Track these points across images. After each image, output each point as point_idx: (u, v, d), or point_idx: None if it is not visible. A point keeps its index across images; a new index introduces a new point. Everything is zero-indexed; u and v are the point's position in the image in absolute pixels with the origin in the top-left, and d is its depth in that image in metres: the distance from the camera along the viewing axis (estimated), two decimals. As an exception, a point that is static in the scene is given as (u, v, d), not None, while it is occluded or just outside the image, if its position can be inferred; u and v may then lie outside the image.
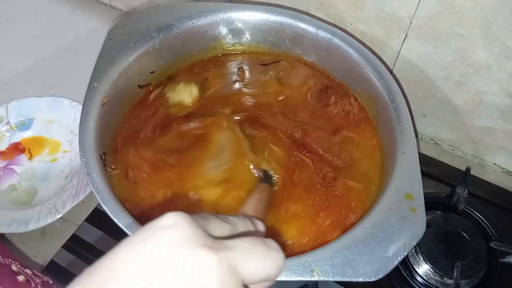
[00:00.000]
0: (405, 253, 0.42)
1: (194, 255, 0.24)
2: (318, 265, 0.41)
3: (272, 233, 0.49)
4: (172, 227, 0.25)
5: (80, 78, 0.77)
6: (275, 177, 0.54)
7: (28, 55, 0.83)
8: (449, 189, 0.67)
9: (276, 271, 0.28)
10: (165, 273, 0.23)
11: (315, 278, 0.40)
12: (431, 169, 0.71)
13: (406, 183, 0.47)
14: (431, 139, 0.75)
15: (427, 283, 0.59)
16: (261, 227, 0.34)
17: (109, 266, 0.24)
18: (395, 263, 0.42)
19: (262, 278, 0.27)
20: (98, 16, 0.90)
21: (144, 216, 0.46)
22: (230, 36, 0.66)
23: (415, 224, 0.44)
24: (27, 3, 0.92)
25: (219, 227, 0.29)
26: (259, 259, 0.27)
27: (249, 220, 0.33)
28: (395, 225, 0.44)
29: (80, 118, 0.50)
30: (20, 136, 0.71)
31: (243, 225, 0.31)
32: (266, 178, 0.54)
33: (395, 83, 0.56)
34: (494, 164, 0.72)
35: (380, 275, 0.41)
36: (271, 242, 0.29)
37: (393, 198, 0.46)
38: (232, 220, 0.31)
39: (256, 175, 0.54)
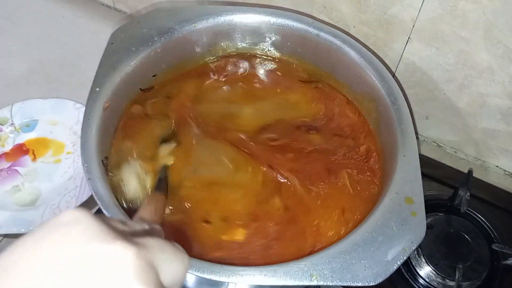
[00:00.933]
0: (405, 257, 0.42)
1: (107, 249, 0.22)
2: (317, 269, 0.41)
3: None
4: (75, 223, 0.23)
5: (84, 79, 0.78)
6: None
7: (32, 57, 0.84)
8: (452, 191, 0.67)
9: (184, 272, 0.27)
10: (75, 275, 0.21)
11: (314, 283, 0.41)
12: (433, 171, 0.70)
13: (407, 187, 0.48)
14: (433, 141, 0.75)
15: (429, 285, 0.59)
16: (160, 232, 0.33)
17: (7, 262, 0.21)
18: (395, 267, 0.42)
19: (173, 278, 0.26)
20: (102, 18, 0.90)
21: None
22: (232, 39, 0.66)
23: (415, 228, 0.44)
24: (31, 6, 0.92)
25: (121, 227, 0.26)
26: (171, 258, 0.26)
27: (147, 224, 0.32)
28: (395, 229, 0.44)
29: (82, 124, 0.50)
30: (24, 138, 0.72)
31: (141, 229, 0.29)
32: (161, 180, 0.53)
33: (397, 85, 0.56)
34: (497, 166, 0.72)
35: (379, 280, 0.41)
36: (176, 243, 0.28)
37: (393, 202, 0.46)
38: (130, 224, 0.28)
39: None
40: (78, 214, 0.23)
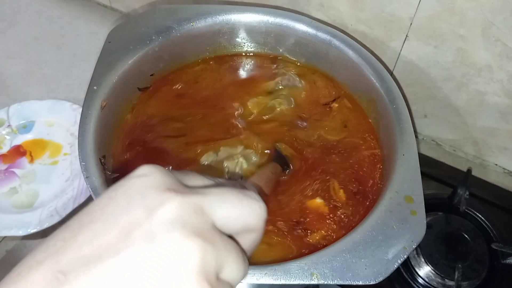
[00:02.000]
0: (405, 256, 0.42)
1: (156, 196, 0.24)
2: (317, 268, 0.41)
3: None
4: (143, 176, 0.25)
5: (81, 80, 0.78)
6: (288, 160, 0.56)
7: (29, 58, 0.83)
8: (451, 190, 0.67)
9: (254, 218, 0.27)
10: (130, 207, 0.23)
11: (315, 282, 0.40)
12: (432, 170, 0.70)
13: (406, 185, 0.47)
14: (432, 140, 0.75)
15: (428, 285, 0.59)
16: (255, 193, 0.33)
17: (88, 212, 0.24)
18: (395, 266, 0.42)
19: (239, 224, 0.26)
20: (99, 18, 0.90)
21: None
22: (230, 38, 0.66)
23: (415, 227, 0.44)
24: (28, 6, 0.92)
25: (201, 181, 0.28)
26: (233, 203, 0.26)
27: (240, 184, 0.32)
28: (395, 228, 0.44)
29: (80, 122, 0.50)
30: (21, 139, 0.71)
31: (229, 184, 0.30)
32: (278, 157, 0.55)
33: (395, 84, 0.56)
34: (496, 164, 0.72)
35: (380, 278, 0.41)
36: (249, 192, 0.28)
37: (393, 201, 0.46)
38: (221, 180, 0.29)
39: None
40: (149, 168, 0.26)
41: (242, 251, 0.26)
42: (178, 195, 0.24)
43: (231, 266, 0.24)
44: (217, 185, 0.28)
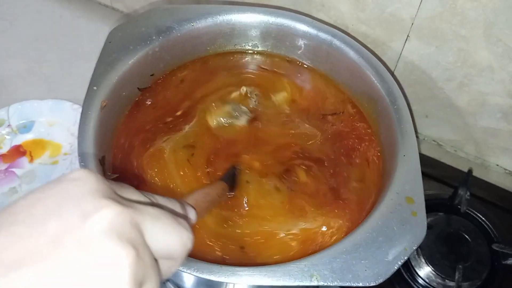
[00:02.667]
0: (406, 258, 0.42)
1: (92, 202, 0.23)
2: (317, 269, 0.41)
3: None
4: (77, 180, 0.24)
5: (82, 80, 0.77)
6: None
7: (29, 57, 0.83)
8: (451, 191, 0.66)
9: (180, 248, 0.27)
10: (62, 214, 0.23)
11: (314, 283, 0.40)
12: (433, 170, 0.70)
13: (407, 186, 0.47)
14: (433, 140, 0.75)
15: (428, 285, 0.59)
16: (191, 214, 0.33)
17: (11, 212, 0.23)
18: (395, 267, 0.42)
19: (164, 250, 0.26)
20: (100, 18, 0.90)
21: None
22: (231, 38, 0.66)
23: (416, 228, 0.44)
24: (29, 5, 0.92)
25: (137, 197, 0.27)
26: (164, 228, 0.26)
27: (179, 204, 0.32)
28: (396, 229, 0.44)
29: (79, 122, 0.50)
30: (21, 139, 0.71)
31: (166, 206, 0.30)
32: (230, 176, 0.53)
33: (397, 85, 0.56)
34: (497, 165, 0.72)
35: (380, 280, 0.41)
36: (182, 220, 0.28)
37: (394, 202, 0.46)
38: (157, 198, 0.29)
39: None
40: (83, 172, 0.25)
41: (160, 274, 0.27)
42: (116, 204, 0.23)
43: (152, 285, 0.24)
44: (153, 204, 0.28)
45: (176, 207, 0.31)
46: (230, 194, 0.52)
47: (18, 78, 0.80)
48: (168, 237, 0.26)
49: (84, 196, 0.23)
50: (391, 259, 0.42)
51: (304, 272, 0.41)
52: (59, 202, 0.23)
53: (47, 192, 0.24)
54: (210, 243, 0.49)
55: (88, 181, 0.24)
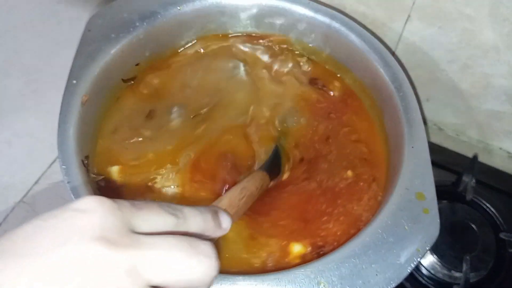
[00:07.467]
0: (419, 259, 0.40)
1: (80, 245, 0.21)
2: (324, 276, 0.38)
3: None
4: (82, 212, 0.23)
5: (66, 70, 0.74)
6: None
7: (8, 47, 0.78)
8: (455, 177, 0.65)
9: (201, 279, 0.25)
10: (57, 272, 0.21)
11: (323, 292, 0.37)
12: (435, 156, 0.67)
13: (417, 181, 0.44)
14: (434, 124, 0.72)
15: (433, 276, 0.58)
16: (224, 223, 0.31)
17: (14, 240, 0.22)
18: (408, 270, 0.39)
19: (180, 284, 0.24)
20: (81, 2, 0.85)
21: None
22: (221, 23, 0.62)
23: (428, 226, 0.41)
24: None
25: (158, 219, 0.25)
26: (178, 262, 0.24)
27: (211, 214, 0.30)
28: (407, 228, 0.41)
29: (58, 120, 0.46)
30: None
31: (195, 221, 0.28)
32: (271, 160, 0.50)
33: (401, 70, 0.53)
34: (500, 148, 0.70)
35: (393, 285, 0.38)
36: (204, 246, 0.25)
37: (403, 198, 0.43)
38: (185, 212, 0.27)
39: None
40: (93, 203, 0.23)
41: None
42: (111, 249, 0.21)
43: None
44: (181, 231, 0.26)
45: (207, 219, 0.29)
46: (275, 180, 0.49)
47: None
48: (182, 271, 0.24)
49: (76, 235, 0.22)
50: (404, 262, 0.39)
51: (311, 279, 0.38)
52: (53, 237, 0.21)
53: (48, 221, 0.22)
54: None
55: (94, 215, 0.22)
